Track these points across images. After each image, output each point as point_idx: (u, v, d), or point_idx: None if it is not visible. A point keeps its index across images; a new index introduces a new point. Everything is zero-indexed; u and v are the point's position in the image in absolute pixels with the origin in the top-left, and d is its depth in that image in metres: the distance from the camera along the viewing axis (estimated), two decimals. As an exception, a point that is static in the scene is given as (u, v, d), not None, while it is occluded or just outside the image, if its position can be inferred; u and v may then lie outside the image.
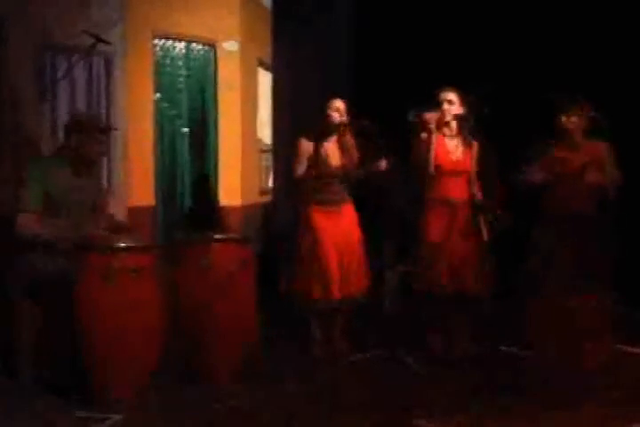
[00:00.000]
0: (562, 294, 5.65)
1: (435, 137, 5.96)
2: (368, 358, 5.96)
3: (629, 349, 6.03)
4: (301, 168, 6.05)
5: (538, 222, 6.03)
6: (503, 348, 6.04)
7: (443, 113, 6.02)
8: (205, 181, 8.36)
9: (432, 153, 5.93)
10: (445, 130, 6.07)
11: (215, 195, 8.38)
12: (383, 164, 6.03)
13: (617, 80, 7.11)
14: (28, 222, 5.14)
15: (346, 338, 6.11)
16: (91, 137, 5.40)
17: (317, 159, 6.07)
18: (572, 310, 5.52)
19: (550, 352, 5.57)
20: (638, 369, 5.75)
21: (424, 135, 5.98)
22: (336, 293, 5.94)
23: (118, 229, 5.57)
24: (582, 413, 4.79)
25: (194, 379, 5.28)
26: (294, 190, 6.29)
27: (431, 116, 5.99)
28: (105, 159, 7.07)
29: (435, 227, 6.00)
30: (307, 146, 6.09)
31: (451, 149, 6.06)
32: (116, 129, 6.02)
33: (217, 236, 5.68)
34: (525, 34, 7.38)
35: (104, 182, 6.40)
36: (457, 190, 6.04)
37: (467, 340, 6.05)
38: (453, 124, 6.08)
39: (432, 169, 5.94)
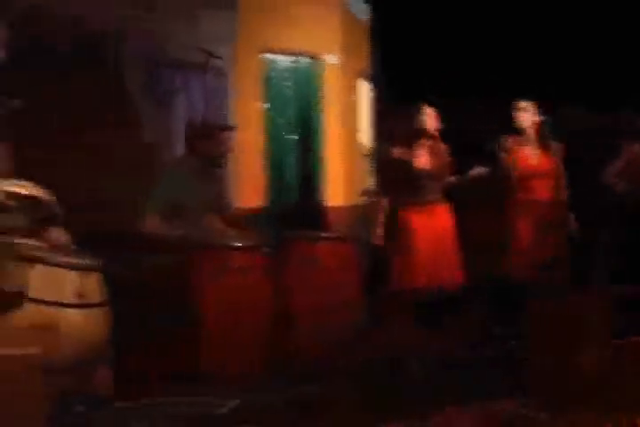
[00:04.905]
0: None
1: (512, 158, 6.43)
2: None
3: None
4: (393, 173, 6.47)
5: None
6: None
7: (518, 120, 6.48)
8: (311, 184, 8.68)
9: (513, 172, 6.43)
10: (522, 138, 6.51)
11: (320, 196, 8.67)
12: (481, 170, 6.48)
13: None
14: (155, 223, 5.54)
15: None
16: (214, 138, 5.74)
17: (409, 163, 6.46)
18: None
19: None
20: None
21: (504, 157, 6.45)
22: (424, 282, 6.28)
23: (234, 225, 5.91)
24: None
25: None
26: (390, 191, 6.64)
27: (507, 141, 6.47)
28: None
29: (523, 228, 6.47)
30: (398, 153, 6.50)
31: (529, 155, 6.51)
32: (232, 128, 6.20)
33: (323, 234, 6.11)
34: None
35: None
36: (542, 192, 6.47)
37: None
38: (530, 131, 6.50)
39: (515, 184, 6.44)
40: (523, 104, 6.52)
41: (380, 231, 6.48)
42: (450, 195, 6.65)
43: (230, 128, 6.14)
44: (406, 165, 6.44)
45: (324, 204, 8.73)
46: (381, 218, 6.53)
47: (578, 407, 4.52)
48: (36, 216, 4.18)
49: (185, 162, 5.87)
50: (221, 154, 5.87)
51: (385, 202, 6.61)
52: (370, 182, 9.21)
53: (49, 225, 4.44)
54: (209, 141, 5.75)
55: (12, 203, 3.86)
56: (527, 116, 6.51)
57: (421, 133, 6.53)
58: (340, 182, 8.84)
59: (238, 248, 5.43)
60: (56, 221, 4.26)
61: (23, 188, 3.79)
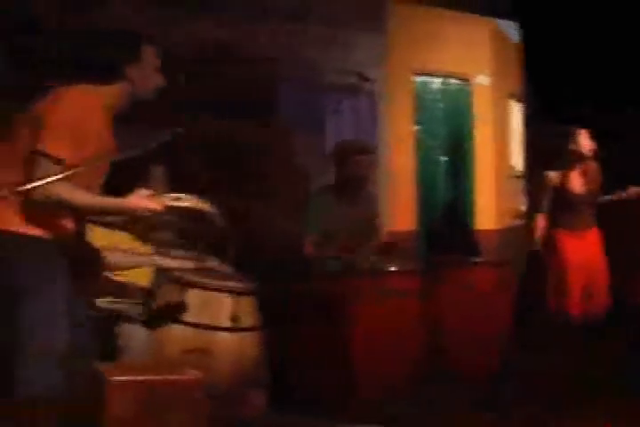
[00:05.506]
0: None
1: None
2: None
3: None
4: (547, 196, 6.37)
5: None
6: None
7: None
8: (462, 206, 8.64)
9: None
10: None
11: (471, 219, 8.62)
12: (633, 192, 6.34)
13: None
14: (311, 249, 5.64)
15: None
16: (350, 161, 5.76)
17: (564, 187, 6.38)
18: None
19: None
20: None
21: None
22: (575, 309, 6.18)
23: (387, 249, 5.92)
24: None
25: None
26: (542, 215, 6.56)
27: None
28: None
29: None
30: (552, 176, 6.41)
31: None
32: (373, 152, 6.18)
33: (476, 259, 6.10)
34: None
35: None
36: None
37: None
38: None
39: None
40: None
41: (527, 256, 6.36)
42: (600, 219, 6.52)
43: (368, 151, 6.08)
44: (561, 190, 6.35)
45: (475, 227, 8.68)
46: (532, 243, 6.40)
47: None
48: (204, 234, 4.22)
49: (328, 187, 5.94)
50: (360, 177, 5.88)
51: (537, 226, 6.46)
52: (521, 205, 9.17)
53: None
54: (346, 165, 5.78)
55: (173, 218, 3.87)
56: None
57: (576, 156, 6.42)
58: (492, 205, 8.80)
59: (394, 273, 5.46)
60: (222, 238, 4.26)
61: (186, 201, 3.80)
